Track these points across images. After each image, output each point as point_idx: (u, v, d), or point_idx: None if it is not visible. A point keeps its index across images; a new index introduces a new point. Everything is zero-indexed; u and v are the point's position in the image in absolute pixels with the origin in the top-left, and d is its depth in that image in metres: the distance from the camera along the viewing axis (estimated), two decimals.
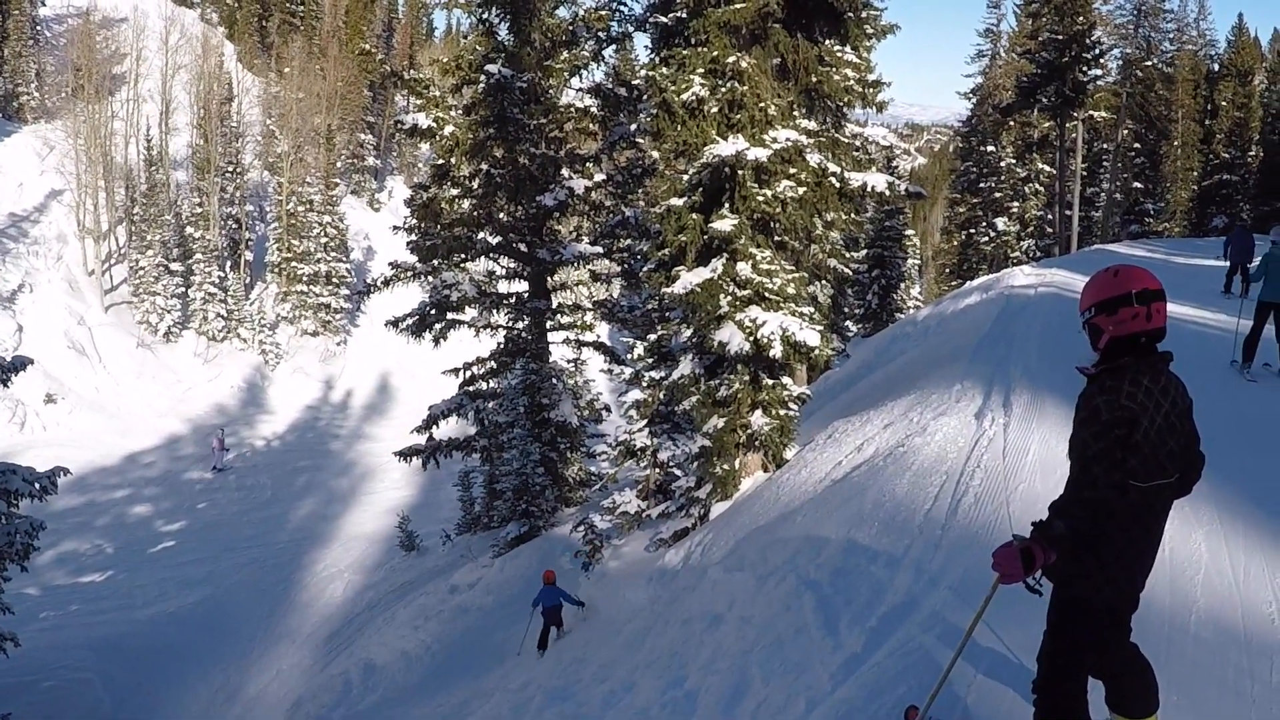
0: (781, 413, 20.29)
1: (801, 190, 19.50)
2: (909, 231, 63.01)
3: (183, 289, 73.70)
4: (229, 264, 79.96)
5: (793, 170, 19.44)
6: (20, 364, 21.51)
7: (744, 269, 19.20)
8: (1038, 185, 71.14)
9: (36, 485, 21.41)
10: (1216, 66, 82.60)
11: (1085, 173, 68.21)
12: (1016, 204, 71.26)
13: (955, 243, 77.87)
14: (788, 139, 19.16)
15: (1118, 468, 5.49)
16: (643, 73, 24.93)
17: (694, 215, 19.62)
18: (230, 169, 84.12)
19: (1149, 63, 70.18)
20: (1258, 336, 18.42)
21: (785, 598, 11.00)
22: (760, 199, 19.00)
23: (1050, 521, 5.69)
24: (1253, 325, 18.55)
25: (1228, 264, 27.58)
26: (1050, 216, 68.24)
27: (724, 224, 18.93)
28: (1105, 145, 73.31)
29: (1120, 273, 5.92)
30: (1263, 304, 18.65)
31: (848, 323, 52.47)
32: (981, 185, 72.95)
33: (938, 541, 10.58)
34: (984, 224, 72.00)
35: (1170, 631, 8.36)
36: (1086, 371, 5.93)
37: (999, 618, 7.03)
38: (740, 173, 18.92)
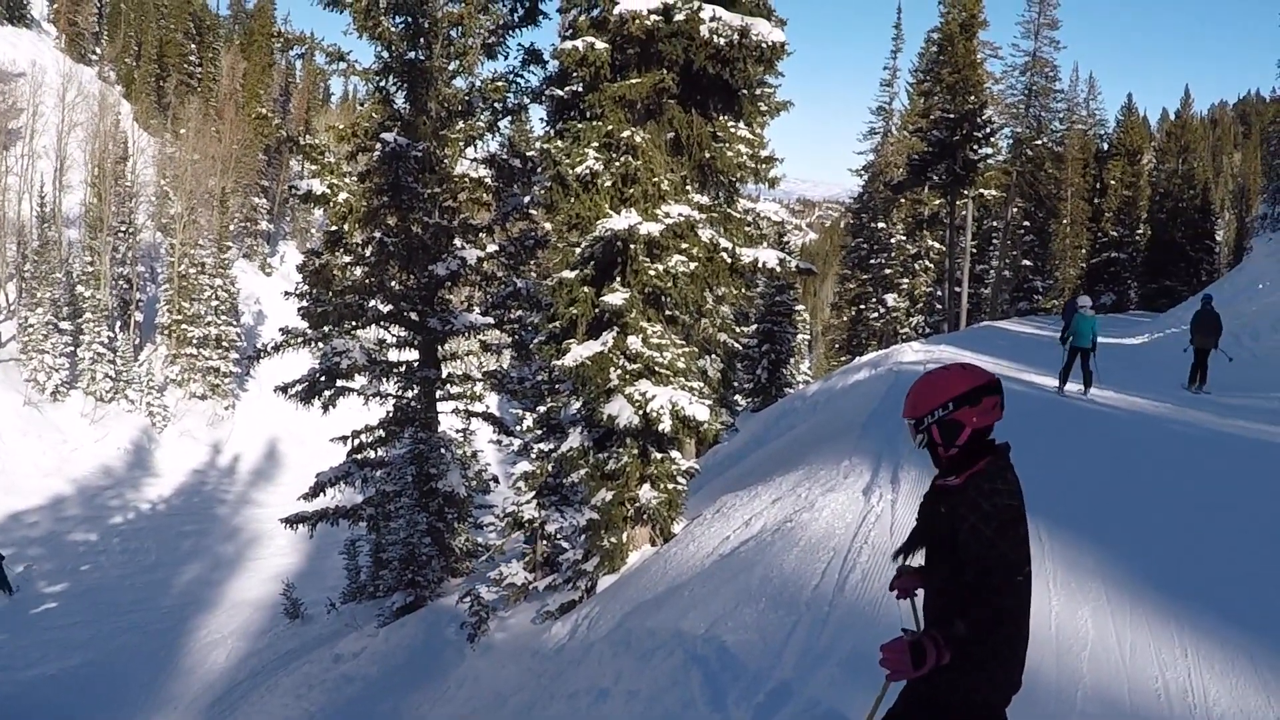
0: (670, 486, 20.40)
1: (693, 265, 19.63)
2: (799, 307, 63.34)
3: (72, 348, 72.72)
4: (119, 324, 79.10)
5: (685, 245, 19.57)
6: None
7: (634, 343, 19.28)
8: (928, 262, 72.05)
9: None
10: (1106, 145, 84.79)
11: (975, 250, 69.20)
12: (906, 280, 72.12)
13: (845, 318, 78.63)
14: (680, 214, 19.30)
15: (1015, 568, 5.46)
16: (538, 144, 25.01)
17: (585, 288, 19.71)
18: (123, 229, 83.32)
19: (1039, 142, 71.57)
20: (1069, 370, 26.83)
21: (672, 672, 11.03)
22: (652, 273, 19.12)
23: (952, 621, 5.51)
24: (1066, 362, 26.97)
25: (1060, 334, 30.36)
26: (940, 293, 69.01)
27: (615, 297, 19.02)
28: (995, 223, 74.60)
29: (967, 366, 6.00)
30: (1074, 348, 26.50)
31: (737, 397, 52.60)
32: (872, 261, 73.90)
33: (825, 618, 10.65)
34: (874, 299, 72.90)
35: (1056, 708, 8.50)
36: (950, 484, 5.78)
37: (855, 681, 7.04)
38: (633, 247, 19.04)
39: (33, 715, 28.76)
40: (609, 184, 19.36)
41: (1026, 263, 74.56)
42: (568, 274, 19.88)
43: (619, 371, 19.34)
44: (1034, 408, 24.06)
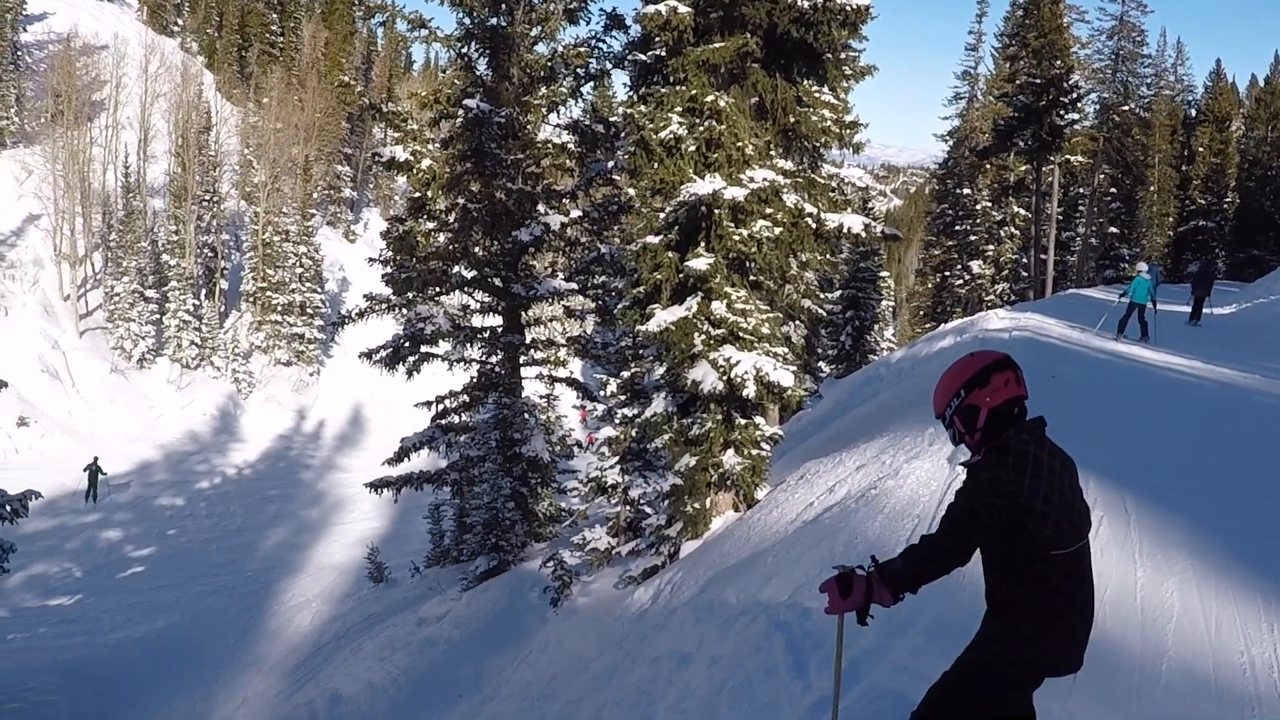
0: (754, 452, 20.28)
1: (778, 230, 19.50)
2: (883, 273, 62.88)
3: (157, 316, 73.53)
4: (204, 292, 79.64)
5: (769, 210, 19.45)
6: None
7: (719, 308, 19.19)
8: (1013, 229, 71.06)
9: (7, 508, 21.37)
10: (1194, 112, 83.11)
11: (1061, 217, 68.15)
12: (992, 247, 71.23)
13: (930, 285, 77.67)
14: (765, 179, 19.18)
15: (977, 528, 5.54)
16: (621, 110, 24.96)
17: (669, 253, 19.63)
18: (207, 198, 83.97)
19: (1126, 107, 70.18)
20: (1128, 319, 31.00)
21: (755, 639, 10.97)
22: (736, 238, 19.00)
23: (892, 560, 5.83)
24: (1124, 315, 31.12)
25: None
26: (1025, 260, 68.09)
27: (699, 263, 18.92)
28: (1081, 189, 73.23)
29: (975, 353, 6.06)
30: (1130, 304, 30.86)
31: (821, 364, 52.35)
32: (957, 228, 72.97)
33: None
34: (959, 267, 71.97)
35: (1141, 679, 8.36)
36: (971, 462, 5.87)
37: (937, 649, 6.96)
38: (716, 212, 18.94)
39: (119, 677, 29.01)
40: (692, 149, 19.26)
41: (1113, 230, 73.08)
42: (652, 239, 19.81)
43: (703, 337, 19.27)
44: (1122, 378, 23.80)
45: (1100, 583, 9.84)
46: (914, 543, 5.88)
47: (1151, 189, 77.35)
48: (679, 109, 19.24)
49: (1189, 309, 37.16)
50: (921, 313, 79.41)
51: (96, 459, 52.30)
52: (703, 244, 19.44)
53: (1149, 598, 9.91)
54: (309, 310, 79.88)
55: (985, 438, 5.79)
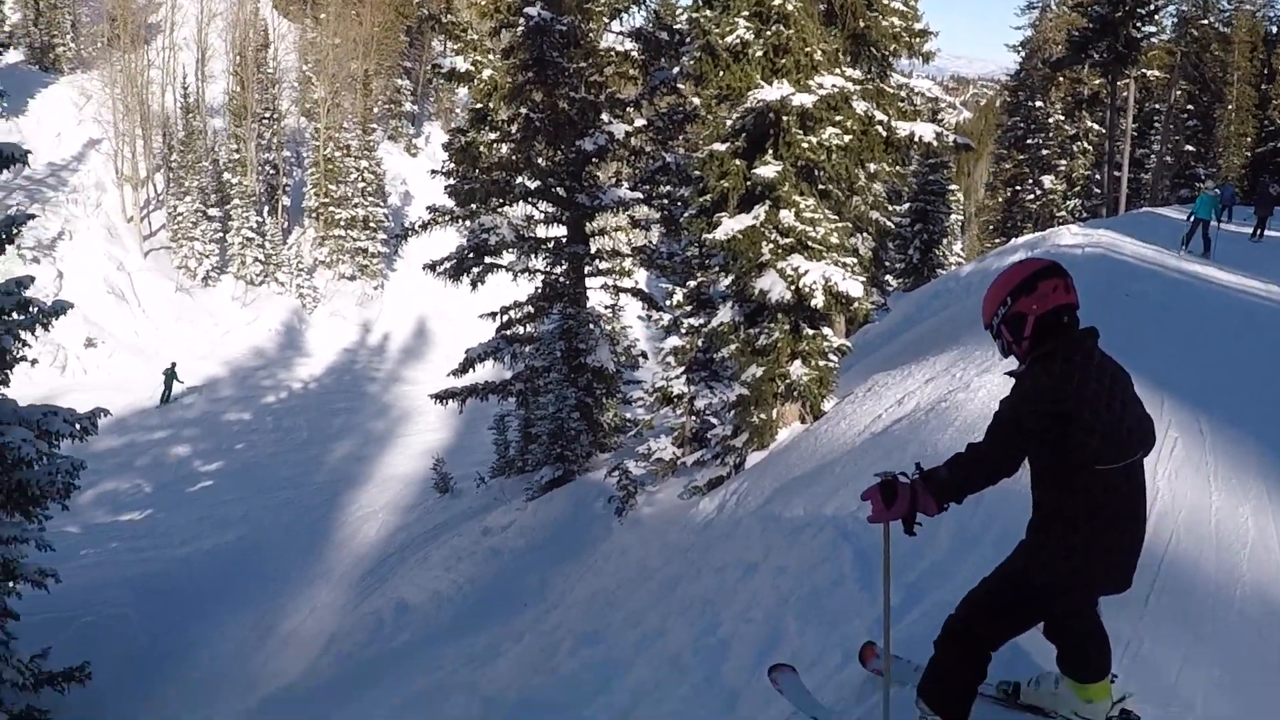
0: (821, 364, 20.17)
1: (847, 138, 19.38)
2: (952, 187, 62.22)
3: (220, 234, 73.78)
4: (266, 209, 79.81)
5: (838, 117, 19.31)
6: (60, 308, 21.46)
7: (787, 217, 19.04)
8: (1086, 144, 70.34)
9: (77, 426, 21.44)
10: (1275, 29, 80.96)
11: (1135, 133, 67.20)
12: (1064, 162, 70.53)
13: (1000, 200, 76.97)
14: (834, 85, 19.01)
15: (1056, 449, 5.45)
16: (685, 16, 24.71)
17: (737, 161, 19.50)
18: (267, 115, 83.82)
19: (1205, 21, 69.29)
20: (1193, 234, 33.45)
21: (823, 549, 10.86)
22: (805, 146, 18.84)
23: (937, 467, 5.78)
24: (1189, 230, 33.61)
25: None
26: (1098, 176, 67.39)
27: (767, 170, 18.77)
28: (1157, 105, 72.40)
29: (1024, 260, 6.11)
30: (1195, 219, 33.38)
31: (888, 277, 52.04)
32: (1029, 142, 72.22)
33: (978, 499, 10.41)
34: (1030, 181, 71.33)
35: (1215, 603, 8.21)
36: (1017, 372, 5.81)
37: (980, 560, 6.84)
38: (785, 119, 18.78)
39: (189, 589, 29.25)
40: (760, 54, 19.06)
41: (1189, 148, 72.04)
42: (718, 147, 19.64)
43: (771, 246, 19.14)
44: (1197, 298, 23.59)
45: (1175, 504, 9.85)
46: (960, 451, 5.80)
47: (1229, 107, 75.79)
48: (745, 13, 19.02)
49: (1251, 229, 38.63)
50: (991, 227, 78.75)
51: (174, 364, 54.87)
52: (770, 152, 19.27)
53: (1224, 522, 9.76)
54: (372, 224, 79.83)
55: (1033, 347, 5.72)
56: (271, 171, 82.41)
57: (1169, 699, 6.81)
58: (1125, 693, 6.48)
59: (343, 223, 78.74)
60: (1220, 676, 7.10)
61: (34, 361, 22.16)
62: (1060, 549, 5.60)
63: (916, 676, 6.67)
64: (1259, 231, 38.39)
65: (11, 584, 21.26)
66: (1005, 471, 5.61)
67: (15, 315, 20.84)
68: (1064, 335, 5.62)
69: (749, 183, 19.37)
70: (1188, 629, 7.76)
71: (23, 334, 20.67)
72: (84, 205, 70.46)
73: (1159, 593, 8.21)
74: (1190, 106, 72.80)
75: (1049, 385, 5.43)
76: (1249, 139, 75.69)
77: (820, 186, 20.17)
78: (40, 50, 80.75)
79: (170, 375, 54.05)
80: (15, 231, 21.17)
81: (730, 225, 19.28)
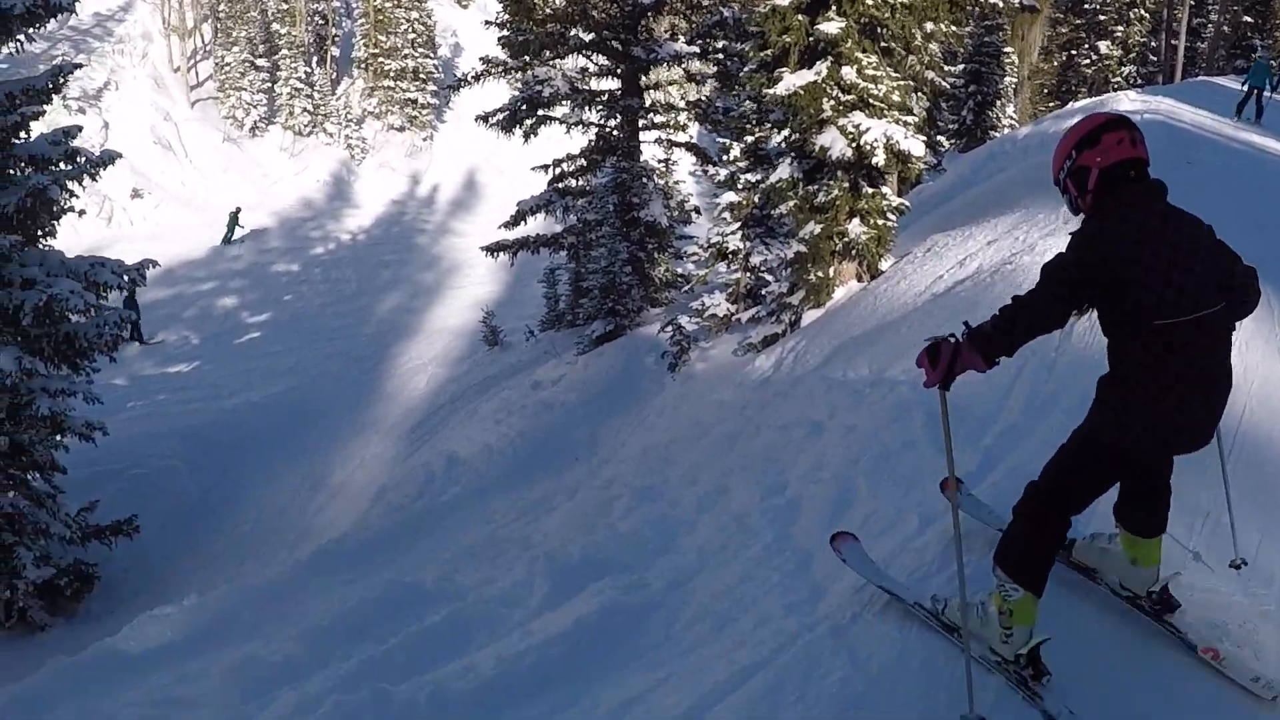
0: (880, 222, 20.04)
1: None
2: (1008, 49, 61.67)
3: (269, 84, 73.42)
4: (315, 59, 79.24)
5: None
6: (108, 158, 21.40)
7: (849, 73, 18.86)
8: (1143, 10, 69.36)
9: (125, 277, 21.46)
10: None
11: (1194, 1, 66.40)
12: (1121, 28, 69.58)
13: (1055, 64, 76.15)
14: None
15: (1114, 303, 5.43)
16: None
17: (799, 16, 19.25)
18: None
19: None
20: (1245, 102, 33.89)
21: (892, 409, 10.76)
22: (869, 2, 18.58)
23: (984, 321, 5.58)
24: (1243, 98, 33.98)
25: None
26: (1154, 44, 66.71)
27: (830, 26, 18.54)
28: None
29: (1090, 114, 6.05)
30: (1250, 87, 33.94)
31: (940, 137, 51.72)
32: (1086, 6, 71.22)
33: (1051, 364, 10.29)
34: (1086, 46, 70.48)
35: None
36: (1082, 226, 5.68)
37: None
38: None
39: (239, 440, 29.43)
40: None
41: (1247, 19, 71.30)
42: (781, 1, 19.35)
43: (832, 103, 18.97)
44: (1259, 168, 23.36)
45: (1246, 376, 9.75)
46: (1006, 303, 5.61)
47: None
48: None
49: None
50: (1045, 91, 78.02)
51: (239, 208, 56.85)
52: (834, 7, 19.01)
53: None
54: (421, 76, 79.20)
55: (1095, 201, 5.62)
56: (320, 21, 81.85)
57: (1249, 573, 6.75)
58: (1177, 570, 6.46)
59: (392, 74, 78.25)
60: None
61: (81, 212, 22.21)
62: (1124, 408, 5.56)
63: (992, 532, 6.79)
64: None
65: (59, 437, 21.37)
66: (1054, 322, 5.47)
67: (63, 165, 20.80)
68: (1127, 190, 5.50)
69: (811, 38, 19.17)
70: (1265, 501, 7.72)
71: (70, 184, 20.63)
72: (130, 55, 70.25)
73: (1232, 463, 7.87)
74: None
75: (1103, 231, 5.39)
76: None
77: (882, 44, 19.93)
78: None
79: (234, 217, 56.00)
80: (62, 81, 21.08)
81: (791, 80, 19.09)
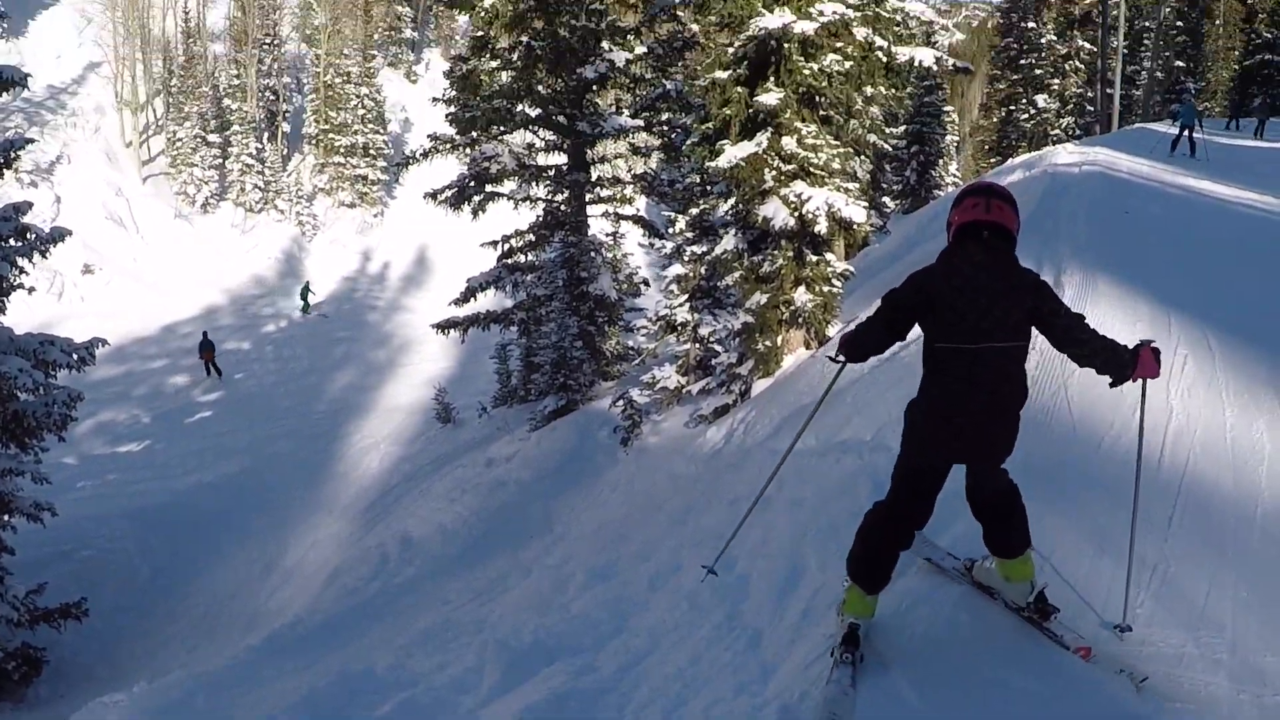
0: (825, 289, 20.22)
1: (848, 64, 19.34)
2: (948, 108, 62.51)
3: (220, 160, 73.84)
4: (266, 135, 79.83)
5: (839, 44, 19.29)
6: (58, 235, 21.42)
7: (789, 143, 19.07)
8: (1078, 63, 70.68)
9: (74, 356, 21.44)
10: None
11: (1126, 50, 67.61)
12: (1057, 81, 70.75)
13: (994, 120, 77.25)
14: (834, 11, 18.98)
15: (899, 306, 6.51)
16: None
17: (739, 88, 19.51)
18: (268, 41, 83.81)
19: None
20: (1178, 140, 36.47)
21: (839, 481, 10.82)
22: (806, 73, 18.86)
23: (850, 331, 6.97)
24: (1176, 135, 36.70)
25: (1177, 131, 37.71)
26: (1091, 94, 67.85)
27: (769, 97, 18.77)
28: (1147, 23, 73.30)
29: (979, 183, 6.92)
30: (1182, 125, 36.45)
31: (885, 198, 52.23)
32: (1022, 62, 72.28)
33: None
34: (1024, 101, 71.47)
35: (1236, 524, 8.23)
36: None
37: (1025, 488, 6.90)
38: (786, 45, 18.73)
39: (191, 521, 29.34)
40: None
41: (1179, 64, 73.23)
42: (720, 74, 19.62)
43: (773, 172, 19.17)
44: (1195, 212, 23.65)
45: (1190, 423, 9.89)
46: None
47: (1217, 22, 77.08)
48: None
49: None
50: (986, 147, 79.17)
51: (309, 281, 61.67)
52: (772, 79, 19.27)
53: (1239, 438, 9.76)
54: (372, 152, 79.76)
55: (946, 248, 6.55)
56: (271, 98, 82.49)
57: (1199, 623, 6.91)
58: (1043, 583, 7.08)
59: (342, 150, 78.72)
60: (1248, 597, 7.19)
61: (31, 289, 22.10)
62: (910, 412, 6.72)
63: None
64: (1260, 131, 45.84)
65: (6, 517, 21.30)
66: (888, 331, 6.62)
67: (13, 242, 20.80)
68: (967, 242, 6.35)
69: (751, 110, 19.40)
70: (1212, 550, 7.83)
71: (20, 261, 20.64)
72: (83, 129, 70.60)
73: (1181, 512, 8.33)
74: (1179, 23, 74.32)
75: (924, 274, 6.40)
76: (1236, 52, 77.30)
77: (821, 112, 20.16)
78: None
79: (307, 288, 59.97)
80: (14, 155, 21.10)
81: (733, 152, 19.30)
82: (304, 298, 59.87)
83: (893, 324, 6.55)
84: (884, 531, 6.89)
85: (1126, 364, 6.37)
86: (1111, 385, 6.57)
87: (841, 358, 6.98)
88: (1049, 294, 6.44)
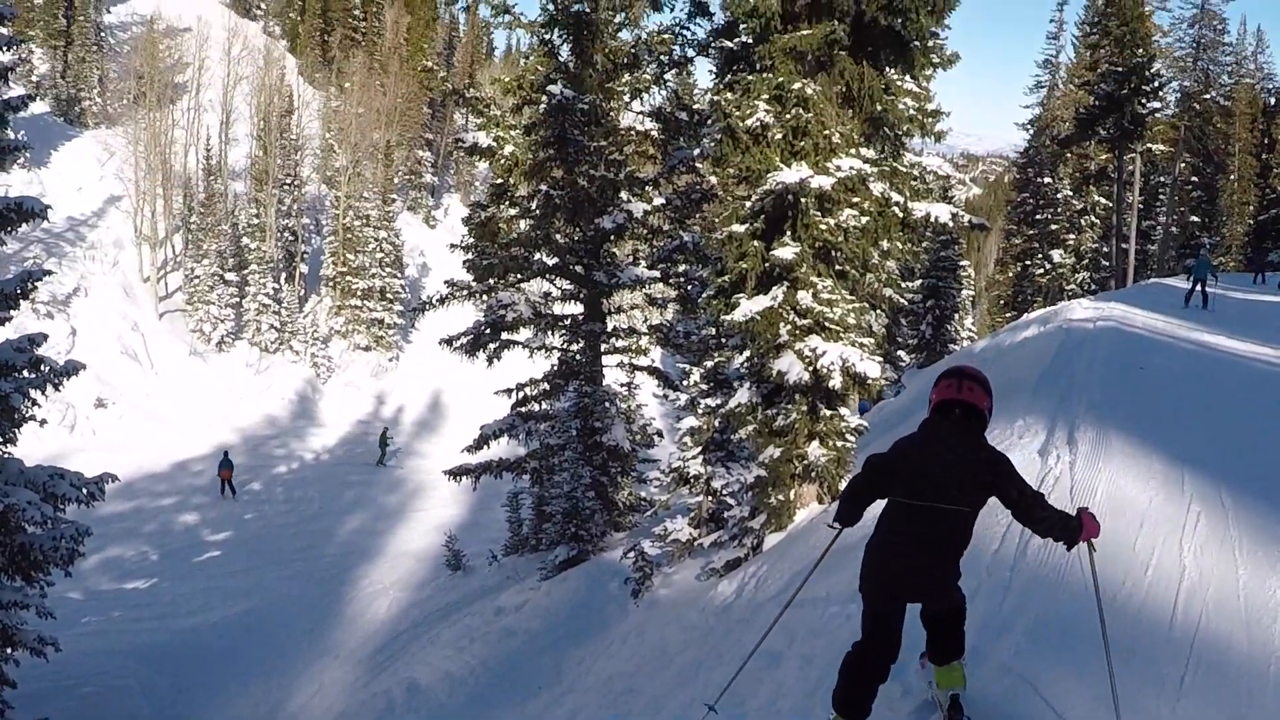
0: (839, 444, 20.13)
1: (864, 219, 19.38)
2: (964, 262, 62.80)
3: (237, 299, 74.35)
4: (284, 276, 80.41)
5: (856, 199, 19.33)
6: (72, 369, 21.54)
7: (805, 298, 19.05)
8: (1094, 218, 71.05)
9: (84, 490, 21.45)
10: (1273, 100, 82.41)
11: (1141, 205, 67.99)
12: (1072, 236, 71.15)
13: (1010, 274, 77.62)
14: (851, 167, 19.01)
15: (876, 469, 7.39)
16: (707, 97, 24.88)
17: (755, 242, 19.49)
18: (288, 181, 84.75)
19: (1207, 96, 70.36)
20: (1192, 293, 36.61)
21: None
22: (823, 227, 18.86)
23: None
24: (1190, 288, 36.97)
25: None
26: (1106, 249, 67.96)
27: (786, 252, 18.79)
28: (1162, 178, 73.24)
29: (955, 365, 7.75)
30: (1194, 278, 36.81)
31: (900, 353, 52.33)
32: (1038, 217, 72.80)
33: (1007, 584, 10.30)
34: (1039, 256, 71.85)
35: (1250, 681, 8.16)
36: None
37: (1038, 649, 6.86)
38: (803, 200, 18.76)
39: (195, 662, 29.22)
40: (779, 136, 19.07)
41: (1194, 219, 73.27)
42: (737, 228, 19.66)
43: (789, 327, 19.14)
44: (1211, 368, 23.56)
45: (1202, 580, 9.85)
46: None
47: (1232, 177, 77.50)
48: (765, 96, 19.05)
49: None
50: (1002, 302, 79.60)
51: (386, 428, 62.58)
52: (789, 233, 19.28)
53: (1252, 597, 9.65)
54: (389, 295, 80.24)
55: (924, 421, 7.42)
56: (290, 238, 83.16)
57: None
58: (956, 690, 7.81)
59: (359, 292, 79.16)
60: None
61: (43, 422, 22.19)
62: (863, 560, 7.63)
63: None
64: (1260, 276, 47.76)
65: (10, 651, 21.22)
66: (866, 491, 7.53)
67: (26, 373, 20.87)
68: (938, 418, 7.23)
69: (767, 264, 19.39)
70: (1223, 710, 7.75)
71: (33, 393, 20.71)
72: (101, 262, 71.40)
73: (1194, 672, 8.25)
74: (1194, 178, 74.68)
75: (897, 443, 7.33)
76: (1251, 207, 77.78)
77: (837, 267, 20.21)
78: (66, 103, 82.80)
79: (385, 437, 60.36)
80: (31, 286, 21.23)
81: (749, 306, 19.30)
82: (383, 446, 60.20)
83: (873, 484, 7.43)
84: (857, 668, 7.65)
85: (1074, 530, 7.23)
86: (1067, 550, 7.60)
87: (836, 525, 7.89)
88: (1008, 472, 7.21)
